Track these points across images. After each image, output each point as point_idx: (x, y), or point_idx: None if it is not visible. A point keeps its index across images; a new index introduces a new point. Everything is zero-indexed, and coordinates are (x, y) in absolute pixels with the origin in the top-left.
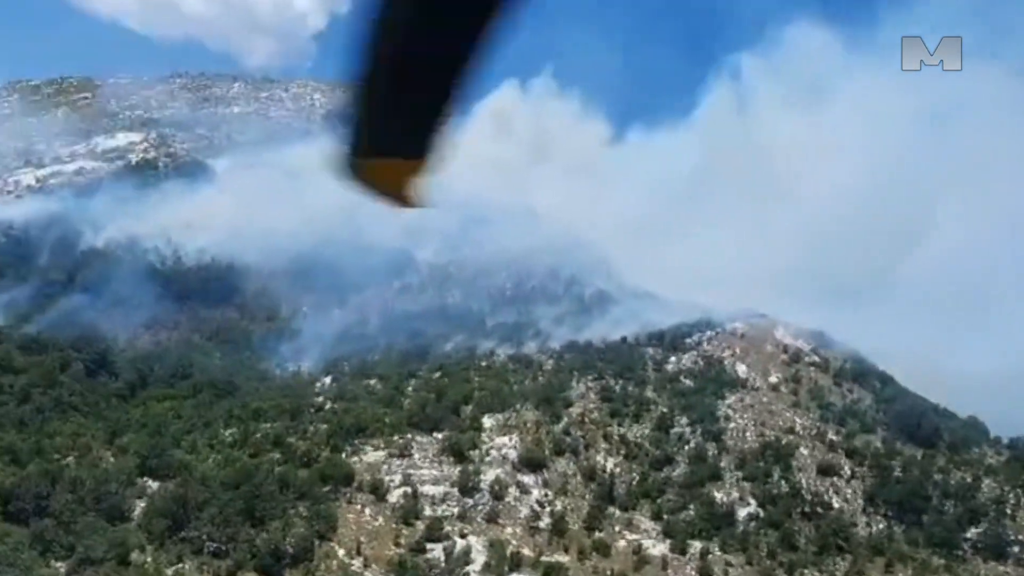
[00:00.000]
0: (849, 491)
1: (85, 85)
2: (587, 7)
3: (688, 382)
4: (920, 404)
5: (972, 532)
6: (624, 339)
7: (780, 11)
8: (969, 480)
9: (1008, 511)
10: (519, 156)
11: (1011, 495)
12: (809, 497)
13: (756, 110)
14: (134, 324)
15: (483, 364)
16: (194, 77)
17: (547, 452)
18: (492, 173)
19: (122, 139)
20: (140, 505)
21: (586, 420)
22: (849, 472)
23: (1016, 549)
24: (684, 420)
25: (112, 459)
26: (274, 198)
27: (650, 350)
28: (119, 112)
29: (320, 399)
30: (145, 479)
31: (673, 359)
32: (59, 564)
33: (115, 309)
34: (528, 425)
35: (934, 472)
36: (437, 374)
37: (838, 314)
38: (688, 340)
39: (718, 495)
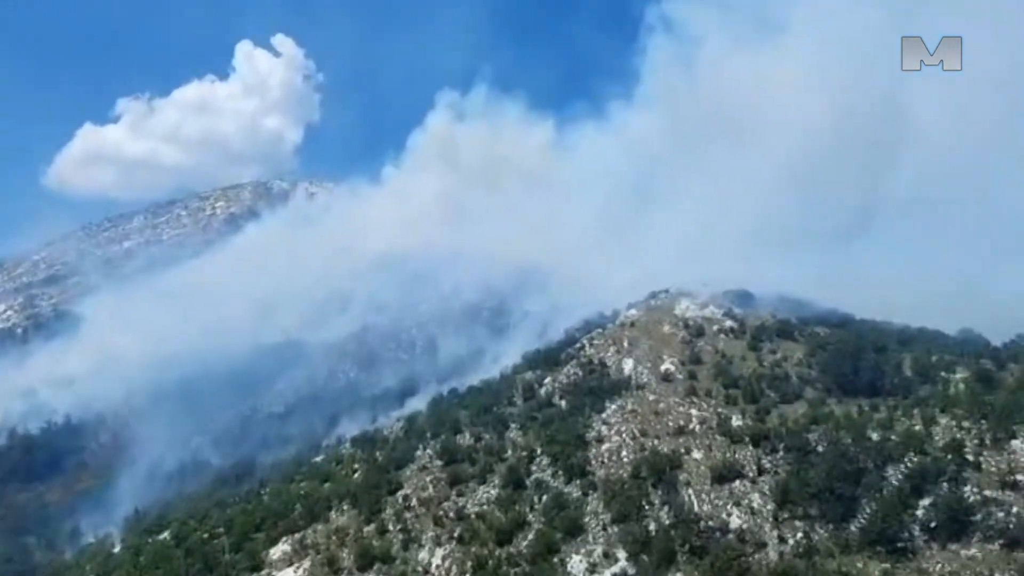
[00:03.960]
0: (756, 497)
1: None
2: (508, 10)
3: (563, 404)
4: (873, 338)
5: (921, 507)
6: (502, 374)
7: None
8: (918, 428)
9: (969, 457)
10: (465, 188)
11: (973, 433)
12: (700, 523)
13: (705, 59)
14: None
15: (319, 460)
16: (98, 224)
17: (347, 569)
18: (436, 216)
19: None
20: None
21: (414, 503)
22: (755, 469)
23: (979, 517)
24: (546, 460)
25: None
26: (143, 328)
27: (529, 374)
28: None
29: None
30: None
31: (548, 380)
32: None
33: None
34: (334, 538)
35: (871, 430)
36: (245, 500)
37: (813, 257)
38: (568, 351)
39: (576, 558)
